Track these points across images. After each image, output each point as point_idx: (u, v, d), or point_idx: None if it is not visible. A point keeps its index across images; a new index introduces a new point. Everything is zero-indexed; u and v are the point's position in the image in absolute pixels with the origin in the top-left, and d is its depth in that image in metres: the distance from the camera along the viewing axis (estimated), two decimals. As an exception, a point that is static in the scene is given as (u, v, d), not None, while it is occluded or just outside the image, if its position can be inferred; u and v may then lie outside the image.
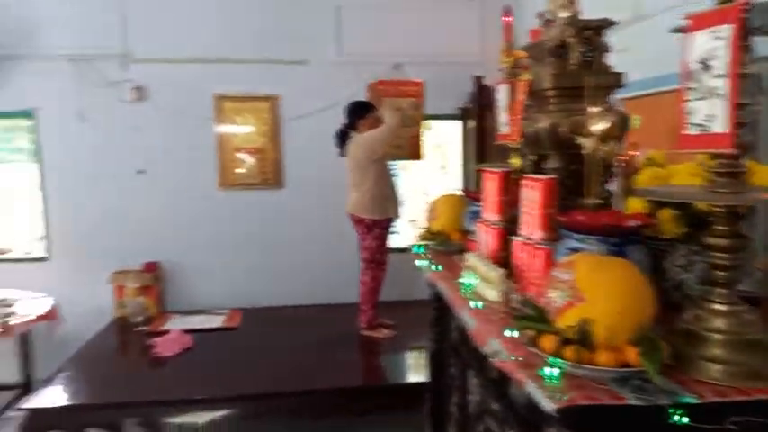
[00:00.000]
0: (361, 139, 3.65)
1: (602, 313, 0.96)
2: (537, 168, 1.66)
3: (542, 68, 1.47)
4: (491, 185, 1.69)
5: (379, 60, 4.34)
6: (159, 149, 4.28)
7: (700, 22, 0.97)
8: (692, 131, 1.00)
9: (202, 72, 4.23)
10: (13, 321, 3.46)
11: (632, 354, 0.95)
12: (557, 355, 0.99)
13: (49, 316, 3.80)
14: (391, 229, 3.92)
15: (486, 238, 1.72)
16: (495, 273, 1.48)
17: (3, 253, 4.41)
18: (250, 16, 4.25)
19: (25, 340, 3.84)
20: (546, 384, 0.99)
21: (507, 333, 1.21)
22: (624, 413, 0.94)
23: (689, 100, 1.00)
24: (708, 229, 1.03)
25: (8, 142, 4.21)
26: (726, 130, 0.92)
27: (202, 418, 3.09)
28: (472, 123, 4.21)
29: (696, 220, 1.29)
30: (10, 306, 3.64)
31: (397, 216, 3.90)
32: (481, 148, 3.90)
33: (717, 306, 1.02)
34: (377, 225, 3.77)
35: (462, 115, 4.49)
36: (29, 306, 3.71)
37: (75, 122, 4.13)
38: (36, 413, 2.98)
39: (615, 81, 1.43)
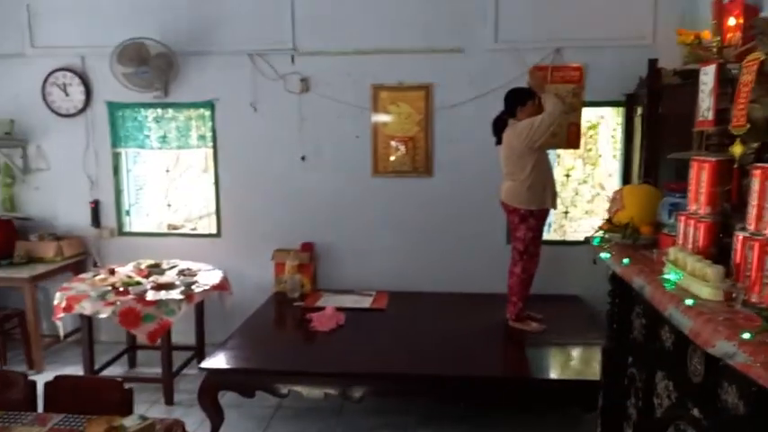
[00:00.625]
0: (520, 127, 3.56)
1: None
2: (759, 158, 1.50)
3: (782, 46, 1.32)
4: (703, 175, 1.56)
5: (536, 46, 4.20)
6: (320, 138, 4.53)
7: None
8: None
9: (361, 62, 4.38)
10: (196, 289, 3.88)
11: None
12: (826, 363, 0.89)
13: (221, 287, 4.22)
14: (546, 221, 3.81)
15: (692, 232, 1.60)
16: (713, 269, 1.37)
17: (176, 228, 4.96)
18: (406, 6, 4.32)
19: (201, 308, 4.29)
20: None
21: (746, 336, 1.12)
22: None
23: None
24: None
25: (192, 129, 4.70)
26: None
27: (358, 392, 3.25)
28: (640, 110, 3.92)
29: None
30: (194, 276, 4.09)
31: (554, 207, 3.78)
32: (655, 135, 3.62)
33: None
34: (532, 216, 3.68)
35: (628, 101, 4.20)
36: (207, 277, 4.14)
37: (248, 112, 4.51)
38: (213, 373, 3.33)
39: None
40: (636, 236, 1.93)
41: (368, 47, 4.36)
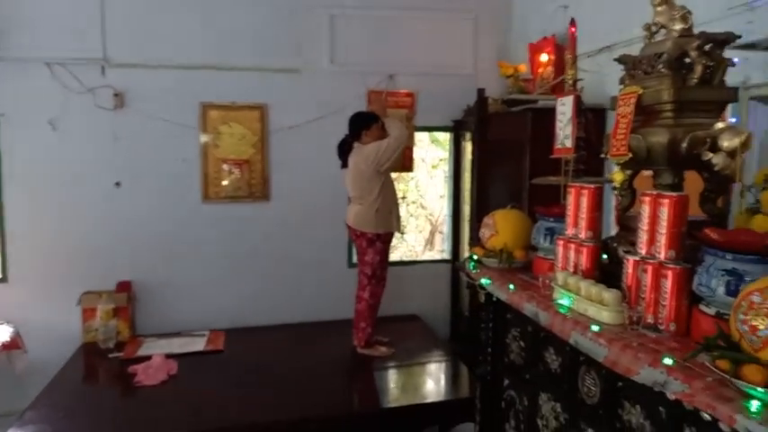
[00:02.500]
0: (367, 151, 3.53)
1: (827, 342, 0.90)
2: (631, 184, 1.61)
3: (656, 81, 1.42)
4: (583, 201, 1.63)
5: (372, 70, 4.24)
6: (139, 160, 3.97)
7: None
8: None
9: (188, 78, 3.96)
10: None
11: None
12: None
13: (12, 345, 3.42)
14: (391, 244, 3.82)
15: (573, 255, 1.65)
16: (611, 293, 1.41)
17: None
18: (239, 22, 4.03)
19: (-16, 373, 3.43)
20: (759, 418, 0.92)
21: (668, 361, 1.14)
22: None
23: None
24: None
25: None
26: None
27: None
28: (468, 135, 4.18)
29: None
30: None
31: (399, 230, 3.80)
32: (485, 159, 3.86)
33: None
34: (379, 239, 3.65)
35: (456, 127, 4.46)
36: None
37: (45, 130, 3.76)
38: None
39: (730, 96, 1.41)
40: (511, 260, 1.97)
41: (195, 61, 3.97)
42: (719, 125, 1.32)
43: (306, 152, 4.22)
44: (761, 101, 2.23)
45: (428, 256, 4.99)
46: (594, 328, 1.38)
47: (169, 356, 3.57)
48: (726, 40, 1.35)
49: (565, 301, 1.56)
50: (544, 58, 3.73)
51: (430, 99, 4.38)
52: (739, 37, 1.37)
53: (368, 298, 3.73)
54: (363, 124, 3.59)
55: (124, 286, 3.99)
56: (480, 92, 3.81)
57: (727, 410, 0.96)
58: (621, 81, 1.58)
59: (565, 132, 1.94)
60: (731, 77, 1.43)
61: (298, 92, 4.15)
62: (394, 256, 4.73)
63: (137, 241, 4.02)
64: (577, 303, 1.52)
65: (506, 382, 2.09)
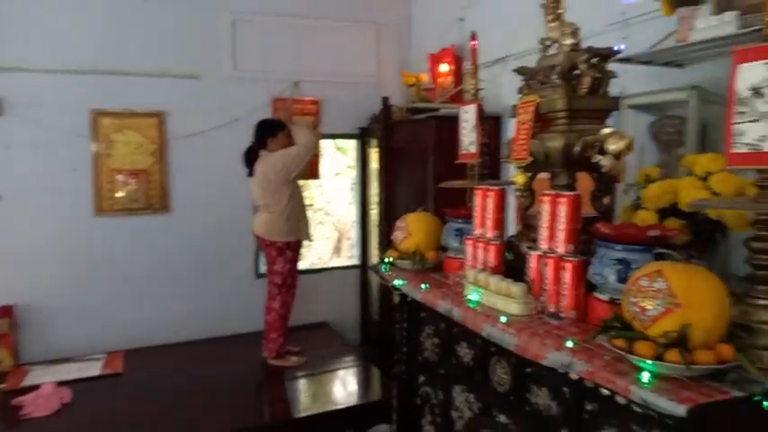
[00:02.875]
0: (275, 159, 3.49)
1: (700, 317, 1.04)
2: (530, 186, 1.75)
3: (551, 91, 1.56)
4: (489, 203, 1.74)
5: (276, 77, 4.20)
6: (22, 172, 3.65)
7: (752, 54, 1.12)
8: (742, 150, 1.14)
9: (76, 83, 3.71)
10: None
11: (728, 350, 1.04)
12: (657, 359, 1.05)
13: None
14: (301, 252, 3.80)
15: (482, 254, 1.76)
16: (518, 287, 1.52)
17: None
18: (134, 24, 3.84)
19: None
20: (650, 387, 1.04)
21: (569, 344, 1.25)
22: (721, 405, 1.02)
23: (737, 122, 1.14)
24: (752, 236, 1.17)
25: None
26: (783, 148, 1.07)
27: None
28: (375, 142, 4.26)
29: (698, 228, 1.46)
30: None
31: (309, 238, 3.79)
32: (391, 165, 3.96)
33: (762, 301, 1.17)
34: (289, 247, 3.63)
35: (362, 134, 4.53)
36: None
37: None
38: None
39: (614, 105, 1.58)
40: (423, 261, 2.05)
41: (85, 65, 3.72)
42: (606, 131, 1.47)
43: (208, 161, 4.09)
44: (636, 109, 2.49)
45: (336, 263, 5.01)
46: (504, 319, 1.48)
47: (61, 384, 3.31)
48: (609, 54, 1.52)
49: (475, 297, 1.65)
50: (444, 68, 3.90)
51: (335, 107, 4.43)
52: (620, 51, 1.54)
53: (278, 308, 3.69)
54: (269, 132, 3.55)
55: (4, 311, 3.64)
56: (385, 100, 3.92)
57: (624, 383, 1.08)
58: (520, 91, 1.71)
59: (469, 139, 2.06)
60: (612, 88, 1.61)
61: (199, 99, 4.03)
62: (301, 264, 4.70)
63: (20, 260, 3.69)
64: (487, 298, 1.61)
65: (421, 378, 2.16)
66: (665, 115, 2.37)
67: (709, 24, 1.74)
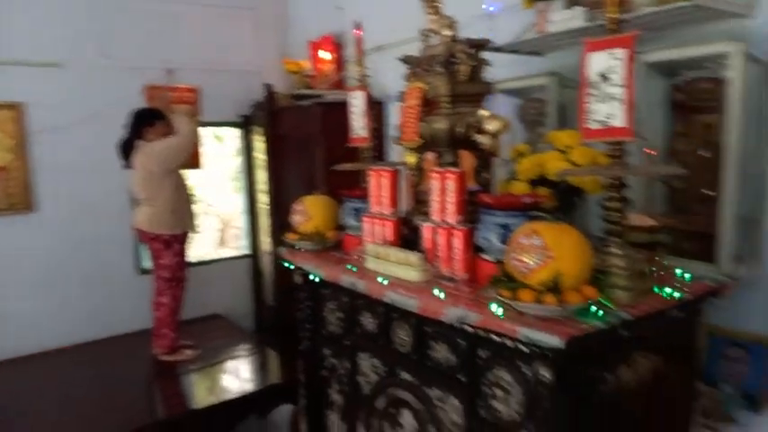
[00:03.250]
0: (154, 149, 3.37)
1: (570, 265, 1.26)
2: (420, 165, 1.91)
3: (434, 78, 1.72)
4: (384, 182, 1.87)
5: (148, 65, 4.01)
6: None
7: (598, 45, 1.34)
8: (595, 126, 1.37)
9: None
10: None
11: (592, 291, 1.27)
12: (538, 302, 1.25)
13: None
14: (188, 244, 3.71)
15: (379, 229, 1.90)
16: (416, 256, 1.67)
17: None
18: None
19: None
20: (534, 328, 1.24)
21: (465, 300, 1.43)
22: (589, 335, 1.25)
23: (589, 103, 1.37)
24: (606, 197, 1.42)
25: None
26: (625, 124, 1.31)
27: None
28: (260, 130, 4.24)
29: (562, 195, 1.72)
30: None
31: (194, 229, 3.70)
32: (278, 152, 3.97)
33: (615, 250, 1.42)
34: (177, 240, 3.53)
35: (245, 122, 4.48)
36: None
37: None
38: None
39: (489, 89, 1.78)
40: (324, 241, 2.14)
41: None
42: (484, 113, 1.67)
43: (79, 154, 3.83)
44: (505, 93, 2.77)
45: (223, 254, 4.93)
46: (407, 285, 1.63)
47: None
48: (483, 44, 1.71)
49: (377, 268, 1.79)
50: (325, 55, 3.98)
51: (215, 95, 4.31)
52: (491, 42, 1.74)
53: (169, 302, 3.59)
54: (146, 121, 3.41)
55: None
56: (268, 87, 3.91)
57: (511, 326, 1.27)
58: (407, 78, 1.86)
59: (359, 123, 2.18)
60: (485, 75, 1.81)
61: (64, 89, 3.75)
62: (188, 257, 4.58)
63: None
64: (387, 268, 1.76)
65: (327, 352, 2.27)
66: (529, 98, 2.67)
67: (562, 18, 2.01)
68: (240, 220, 4.92)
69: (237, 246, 4.95)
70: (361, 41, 2.16)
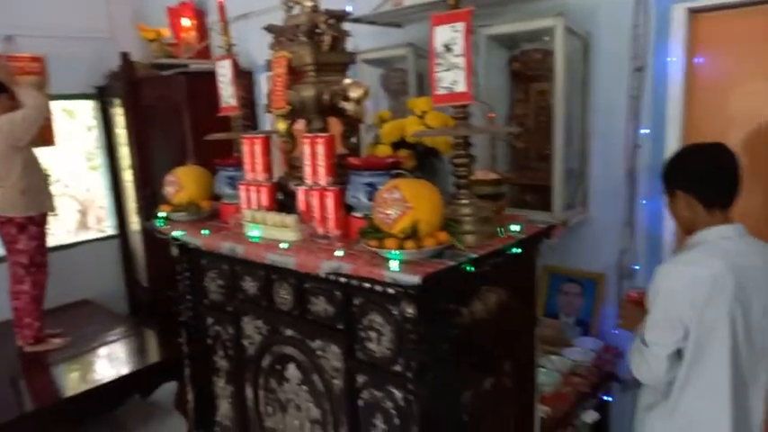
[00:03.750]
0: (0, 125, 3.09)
1: (425, 214, 1.44)
2: (291, 132, 2.00)
3: (299, 48, 1.81)
4: (257, 149, 1.94)
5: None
6: None
7: (441, 19, 1.52)
8: (442, 92, 1.56)
9: None
10: None
11: (444, 236, 1.47)
12: (400, 248, 1.43)
13: None
14: (47, 226, 3.47)
15: (256, 195, 1.97)
16: (291, 218, 1.78)
17: None
18: None
19: None
20: (399, 270, 1.41)
21: (339, 253, 1.57)
22: (442, 272, 1.45)
23: (438, 71, 1.55)
24: (454, 154, 1.63)
25: None
26: (466, 90, 1.51)
27: None
28: (118, 101, 4.01)
29: (420, 156, 1.91)
30: None
31: (53, 210, 3.47)
32: (140, 123, 3.80)
33: (463, 201, 1.64)
34: (33, 222, 3.31)
35: (101, 93, 4.20)
36: None
37: None
38: None
39: (352, 59, 1.90)
40: (199, 211, 2.16)
41: None
42: (347, 81, 1.79)
43: None
44: (368, 63, 2.92)
45: (86, 236, 4.64)
46: (283, 245, 1.73)
47: None
48: (343, 16, 1.82)
49: (255, 233, 1.87)
50: (185, 22, 3.85)
51: (64, 64, 4.01)
52: (351, 14, 1.86)
53: (30, 289, 3.37)
54: (-14, 95, 3.12)
55: None
56: (125, 56, 3.71)
57: (379, 271, 1.44)
58: (272, 47, 1.92)
59: (228, 92, 2.20)
60: (349, 45, 1.93)
61: None
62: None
63: None
64: (266, 231, 1.85)
65: (210, 321, 2.31)
66: (392, 68, 2.85)
67: (415, -8, 2.18)
68: (103, 200, 4.65)
69: (102, 227, 4.68)
70: (224, 9, 2.17)
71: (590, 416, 2.22)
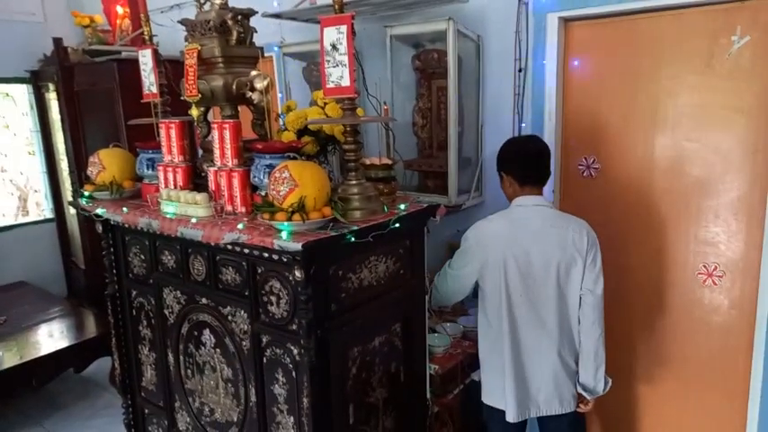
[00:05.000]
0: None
1: (311, 191, 1.67)
2: (206, 117, 2.20)
3: (210, 41, 2.00)
4: (173, 133, 2.12)
5: None
6: None
7: (328, 21, 1.74)
8: (331, 86, 1.79)
9: None
10: None
11: (328, 210, 1.71)
12: (289, 221, 1.66)
13: None
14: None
15: (171, 176, 2.15)
16: (201, 195, 1.98)
17: None
18: None
19: None
20: (286, 239, 1.64)
21: (240, 226, 1.79)
22: (328, 243, 1.69)
23: (327, 67, 1.78)
24: (343, 141, 1.86)
25: None
26: (350, 84, 1.75)
27: None
28: (51, 86, 4.07)
29: (322, 142, 2.14)
30: None
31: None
32: (73, 109, 3.88)
33: (352, 181, 1.88)
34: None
35: (35, 78, 4.24)
36: None
37: None
38: None
39: (258, 53, 2.11)
40: (120, 190, 2.33)
41: None
42: (254, 73, 2.00)
43: None
44: (291, 56, 3.12)
45: (24, 220, 4.68)
46: (193, 220, 1.94)
47: None
48: (249, 13, 2.03)
49: (170, 209, 2.06)
50: (119, 10, 3.94)
51: (-4, 48, 4.04)
52: (256, 12, 2.06)
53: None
54: None
55: None
56: (57, 41, 3.78)
57: (270, 240, 1.66)
58: (186, 39, 2.10)
59: (150, 80, 2.37)
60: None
61: None
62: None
63: None
64: (180, 208, 2.04)
65: (134, 293, 2.49)
66: (312, 62, 3.06)
67: (325, -7, 2.39)
68: (39, 184, 4.68)
69: (39, 211, 4.72)
70: (144, 1, 2.33)
71: (479, 374, 2.51)
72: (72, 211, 4.43)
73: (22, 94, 4.43)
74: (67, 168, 4.18)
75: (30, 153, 4.62)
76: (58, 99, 3.96)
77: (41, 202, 4.70)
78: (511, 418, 2.12)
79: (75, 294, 4.61)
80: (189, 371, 2.32)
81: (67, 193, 4.39)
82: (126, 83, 3.52)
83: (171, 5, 3.62)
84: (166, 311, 2.35)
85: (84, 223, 4.19)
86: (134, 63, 3.55)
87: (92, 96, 3.81)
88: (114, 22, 4.00)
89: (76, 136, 3.94)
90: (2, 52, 4.04)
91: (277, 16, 2.78)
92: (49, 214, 4.63)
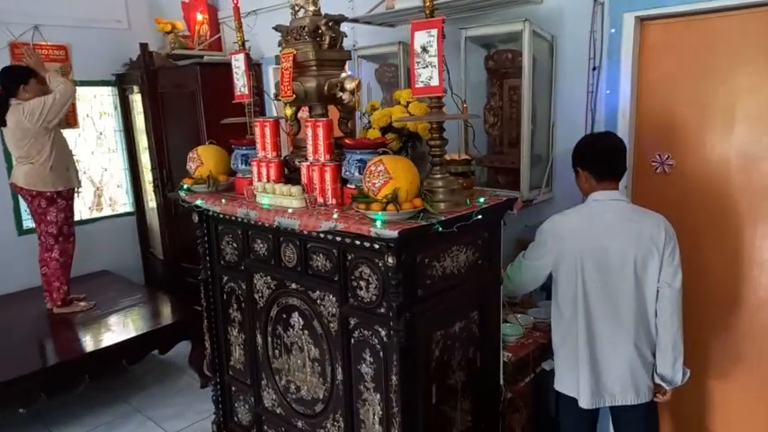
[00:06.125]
0: (31, 107, 3.45)
1: (403, 183, 1.80)
2: (296, 117, 2.36)
3: (304, 45, 2.16)
4: (267, 131, 2.30)
5: (13, 21, 3.96)
6: None
7: (419, 25, 1.87)
8: (420, 85, 1.91)
9: None
10: None
11: (419, 202, 1.83)
12: (383, 210, 1.79)
13: None
14: (73, 200, 3.84)
15: (265, 170, 2.33)
16: (296, 188, 2.14)
17: None
18: None
19: None
20: (381, 227, 1.78)
21: (336, 215, 1.94)
22: (419, 231, 1.81)
23: (417, 68, 1.91)
24: (429, 137, 1.98)
25: None
26: (438, 84, 1.87)
27: None
28: (136, 89, 4.36)
29: (405, 139, 2.27)
30: None
31: (79, 186, 3.84)
32: (157, 109, 4.15)
33: (437, 175, 2.00)
34: (61, 197, 3.67)
35: (120, 81, 4.55)
36: None
37: None
38: None
39: (347, 56, 2.26)
40: (217, 184, 2.53)
41: None
42: (343, 75, 2.15)
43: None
44: (365, 58, 3.27)
45: (103, 213, 5.01)
46: (289, 210, 2.10)
47: None
48: (340, 19, 2.18)
49: (266, 200, 2.23)
50: (199, 17, 4.19)
51: (85, 53, 4.35)
52: (347, 18, 2.21)
53: (58, 257, 3.74)
54: (20, 79, 3.47)
55: None
56: (144, 46, 4.06)
57: (366, 228, 1.80)
58: (279, 44, 2.27)
59: (242, 82, 2.56)
60: (347, 42, 2.27)
61: None
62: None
63: None
64: (274, 200, 2.21)
65: (225, 278, 2.69)
66: (384, 63, 3.20)
67: (404, -3, 2.53)
68: (120, 180, 5.01)
69: (114, 207, 5.04)
70: (238, 11, 2.52)
71: (549, 364, 2.59)
72: (152, 204, 4.73)
73: (106, 96, 4.76)
74: (149, 165, 4.47)
75: (110, 152, 4.95)
76: (143, 100, 4.25)
77: (116, 199, 5.02)
78: (584, 404, 2.19)
79: (152, 283, 4.91)
80: (276, 351, 2.49)
81: (149, 189, 4.68)
82: (207, 84, 3.75)
83: (247, 12, 3.83)
84: (256, 296, 2.53)
85: (163, 216, 4.47)
86: (214, 66, 3.81)
87: (174, 97, 4.08)
88: (193, 27, 4.25)
89: (159, 135, 4.21)
90: (91, 57, 4.35)
91: (354, 21, 2.93)
92: (129, 208, 4.95)
